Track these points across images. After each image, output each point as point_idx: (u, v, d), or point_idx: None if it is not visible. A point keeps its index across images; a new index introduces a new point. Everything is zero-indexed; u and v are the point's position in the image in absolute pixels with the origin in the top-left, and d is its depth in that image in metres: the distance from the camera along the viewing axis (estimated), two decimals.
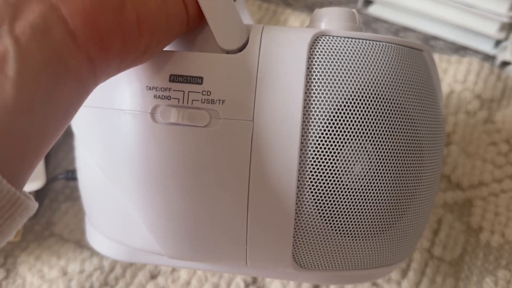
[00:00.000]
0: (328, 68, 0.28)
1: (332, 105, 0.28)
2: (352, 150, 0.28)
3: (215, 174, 0.28)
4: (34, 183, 0.41)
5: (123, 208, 0.31)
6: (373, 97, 0.28)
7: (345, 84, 0.28)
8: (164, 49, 0.28)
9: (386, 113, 0.28)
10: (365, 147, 0.28)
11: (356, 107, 0.28)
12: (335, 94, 0.28)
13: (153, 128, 0.28)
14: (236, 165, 0.28)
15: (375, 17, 0.68)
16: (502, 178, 0.50)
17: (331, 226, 0.29)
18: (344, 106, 0.28)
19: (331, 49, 0.28)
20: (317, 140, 0.28)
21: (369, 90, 0.28)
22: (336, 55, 0.28)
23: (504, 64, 0.61)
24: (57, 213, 0.46)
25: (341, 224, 0.29)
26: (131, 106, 0.29)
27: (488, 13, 0.59)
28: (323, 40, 0.28)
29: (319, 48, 0.28)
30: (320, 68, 0.28)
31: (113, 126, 0.29)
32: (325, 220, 0.29)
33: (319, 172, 0.28)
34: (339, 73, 0.28)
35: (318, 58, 0.28)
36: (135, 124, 0.29)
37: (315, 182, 0.28)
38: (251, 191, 0.28)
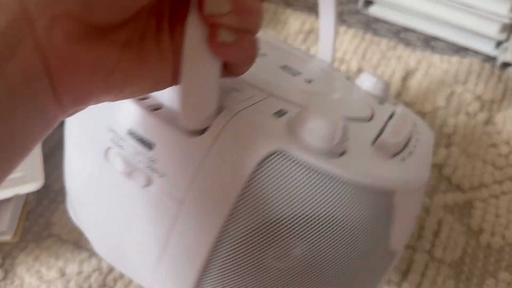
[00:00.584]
0: (265, 188, 0.26)
1: (253, 223, 0.27)
2: (272, 253, 0.28)
3: (138, 225, 0.30)
4: (32, 184, 0.41)
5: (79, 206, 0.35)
6: (304, 223, 0.27)
7: (273, 207, 0.27)
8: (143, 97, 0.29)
9: (317, 237, 0.27)
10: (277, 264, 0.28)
11: (281, 226, 0.27)
12: (258, 215, 0.27)
13: (103, 164, 0.30)
14: (156, 229, 0.29)
15: (376, 17, 0.68)
16: (502, 179, 0.50)
17: None
18: (266, 224, 0.27)
19: (278, 170, 0.26)
20: (232, 245, 0.28)
21: (301, 217, 0.27)
22: (279, 177, 0.26)
23: (505, 65, 0.61)
24: (56, 214, 0.46)
25: None
26: (94, 139, 0.30)
27: (489, 14, 0.59)
28: (277, 159, 0.26)
29: (267, 166, 0.26)
30: (258, 185, 0.27)
31: (77, 152, 0.32)
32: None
33: (228, 265, 0.28)
34: (274, 195, 0.26)
35: (261, 175, 0.26)
36: (91, 155, 0.30)
37: (224, 271, 0.29)
38: (166, 249, 0.29)
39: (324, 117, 0.27)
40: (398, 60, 0.61)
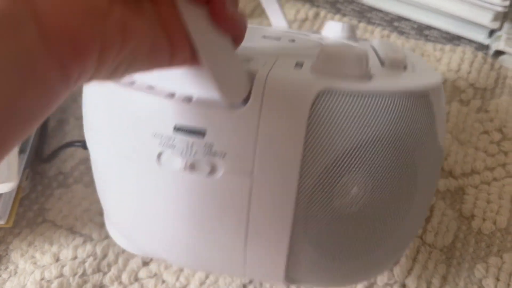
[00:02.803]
0: (327, 125, 0.28)
1: (328, 159, 0.28)
2: (348, 185, 0.29)
3: (215, 218, 0.30)
4: (5, 185, 0.41)
5: (135, 220, 0.34)
6: (372, 146, 0.28)
7: (341, 139, 0.28)
8: (170, 94, 0.29)
9: (384, 158, 0.29)
10: (364, 183, 0.29)
11: (354, 155, 0.28)
12: (330, 149, 0.28)
13: (158, 172, 0.30)
14: (235, 211, 0.30)
15: (370, 6, 0.68)
16: (494, 166, 0.50)
17: (319, 253, 0.31)
18: (340, 158, 0.28)
19: (332, 105, 0.28)
20: (314, 187, 0.29)
21: (368, 141, 0.28)
22: (336, 112, 0.28)
23: (498, 53, 0.61)
24: (50, 200, 0.46)
25: (329, 250, 0.31)
26: (139, 150, 0.30)
27: (482, 3, 0.59)
28: (326, 97, 0.28)
29: (321, 105, 0.27)
30: (319, 125, 0.28)
31: (118, 167, 0.31)
32: (315, 248, 0.31)
33: (314, 212, 0.30)
34: (336, 129, 0.28)
35: (318, 114, 0.28)
36: (142, 167, 0.30)
37: (309, 220, 0.30)
38: (250, 229, 0.30)
39: (347, 48, 0.30)
40: None
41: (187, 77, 0.29)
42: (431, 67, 0.42)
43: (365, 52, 0.29)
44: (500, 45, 0.60)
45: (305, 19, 0.65)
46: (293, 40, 0.36)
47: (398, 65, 0.33)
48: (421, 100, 0.30)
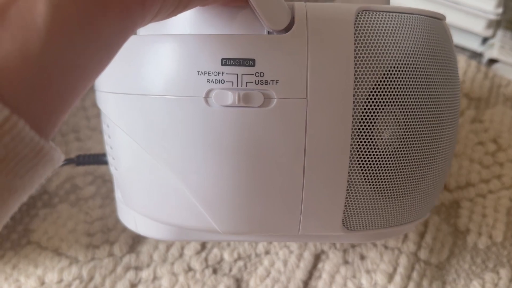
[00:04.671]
0: (372, 41, 0.29)
1: (377, 75, 0.29)
2: (386, 116, 0.30)
3: (271, 151, 0.29)
4: None
5: (173, 189, 0.32)
6: (408, 68, 0.30)
7: (386, 55, 0.29)
8: (211, 33, 0.29)
9: (416, 82, 0.30)
10: (395, 114, 0.30)
11: (394, 77, 0.30)
12: (378, 65, 0.29)
13: (207, 112, 0.29)
14: (291, 142, 0.29)
15: None
16: (489, 178, 0.50)
17: (374, 189, 0.31)
18: (385, 76, 0.29)
19: (372, 23, 0.29)
20: (363, 109, 0.29)
21: (405, 60, 0.30)
22: (377, 29, 0.29)
23: (491, 61, 0.60)
24: (35, 220, 0.45)
25: (382, 186, 0.32)
26: (184, 92, 0.29)
27: (475, 10, 0.58)
28: (365, 15, 0.30)
29: (362, 23, 0.29)
30: (365, 42, 0.29)
31: (165, 113, 0.30)
32: (370, 184, 0.31)
33: (364, 140, 0.30)
34: (381, 45, 0.29)
35: (362, 32, 0.29)
36: (189, 109, 0.29)
37: (362, 150, 0.30)
38: (307, 164, 0.30)
39: None
40: None
41: (223, 19, 0.29)
42: None
43: None
44: (493, 53, 0.59)
45: None
46: None
47: None
48: (439, 23, 0.33)
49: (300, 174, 0.30)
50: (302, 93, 0.28)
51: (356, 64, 0.29)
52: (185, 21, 0.30)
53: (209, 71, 0.28)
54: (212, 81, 0.28)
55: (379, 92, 0.29)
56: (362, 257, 0.43)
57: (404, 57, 0.30)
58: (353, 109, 0.29)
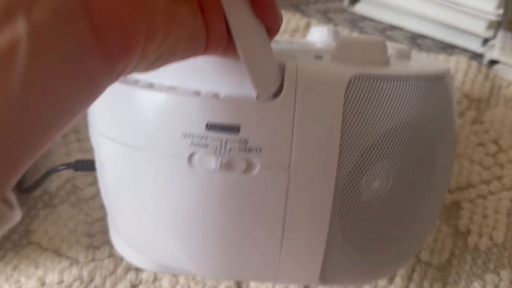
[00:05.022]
0: (362, 111, 0.28)
1: (364, 145, 0.28)
2: (375, 175, 0.30)
3: (253, 212, 0.29)
4: None
5: (155, 230, 0.32)
6: (400, 132, 0.29)
7: (375, 125, 0.28)
8: (195, 93, 0.28)
9: (409, 144, 0.30)
10: (387, 173, 0.30)
11: (384, 143, 0.29)
12: (367, 134, 0.28)
13: (190, 173, 0.29)
14: (273, 206, 0.29)
15: (362, 15, 0.67)
16: (490, 179, 0.50)
17: (354, 247, 0.31)
18: (374, 144, 0.29)
19: (364, 92, 0.28)
20: (348, 179, 0.29)
21: (398, 126, 0.29)
22: (369, 98, 0.28)
23: (492, 62, 0.60)
24: (36, 221, 0.45)
25: (362, 244, 0.31)
26: (168, 150, 0.29)
27: (475, 11, 0.58)
28: (358, 82, 0.28)
29: (354, 92, 0.28)
30: (355, 111, 0.28)
31: (149, 165, 0.30)
32: (349, 243, 0.31)
33: (346, 206, 0.30)
34: (371, 115, 0.28)
35: (352, 101, 0.28)
36: (172, 167, 0.29)
37: (343, 214, 0.30)
38: (287, 226, 0.30)
39: (365, 36, 0.31)
40: None
41: (212, 73, 0.28)
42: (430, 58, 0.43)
43: (383, 39, 0.30)
44: (494, 54, 0.59)
45: (295, 30, 0.64)
46: (290, 42, 0.37)
47: (404, 55, 0.34)
48: (439, 82, 0.32)
49: (279, 233, 0.30)
50: (285, 162, 0.28)
51: (342, 136, 0.28)
52: (173, 71, 0.28)
53: (193, 134, 0.28)
54: (196, 144, 0.28)
55: (366, 160, 0.29)
56: None
57: (395, 125, 0.29)
58: (336, 179, 0.29)
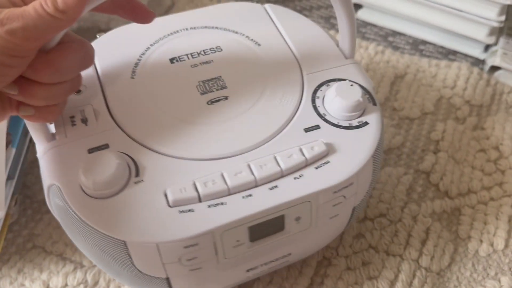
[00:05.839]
0: None
1: None
2: None
3: None
4: None
5: None
6: None
7: None
8: None
9: None
10: None
11: None
12: None
13: None
14: None
15: (364, 21, 0.67)
16: (491, 185, 0.50)
17: None
18: None
19: None
20: None
21: None
22: None
23: (493, 68, 0.60)
24: (40, 225, 0.46)
25: None
26: None
27: (477, 18, 0.58)
28: None
29: None
30: None
31: None
32: None
33: None
34: None
35: None
36: None
37: None
38: None
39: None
40: (386, 64, 0.61)
41: None
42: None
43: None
44: (495, 60, 0.59)
45: None
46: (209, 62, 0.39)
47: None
48: None
49: None
50: None
51: None
52: None
53: None
54: None
55: None
56: (364, 264, 0.44)
57: None
58: None
